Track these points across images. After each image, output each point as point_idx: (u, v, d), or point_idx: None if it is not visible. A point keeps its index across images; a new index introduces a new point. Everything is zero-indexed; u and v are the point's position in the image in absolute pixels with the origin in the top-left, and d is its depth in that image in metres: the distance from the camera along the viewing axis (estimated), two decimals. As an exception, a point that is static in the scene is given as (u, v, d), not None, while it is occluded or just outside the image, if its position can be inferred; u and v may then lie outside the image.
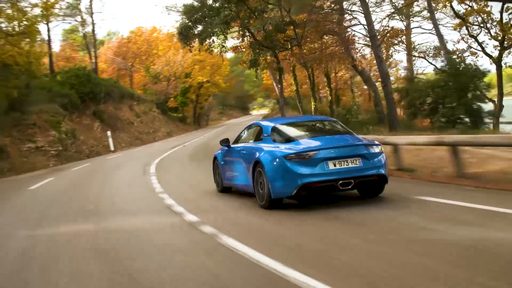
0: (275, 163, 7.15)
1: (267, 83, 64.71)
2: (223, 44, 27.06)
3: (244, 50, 29.64)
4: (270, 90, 68.24)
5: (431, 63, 28.53)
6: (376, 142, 7.61)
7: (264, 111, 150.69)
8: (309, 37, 26.70)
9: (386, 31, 27.17)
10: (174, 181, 13.05)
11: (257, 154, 7.64)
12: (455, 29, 29.67)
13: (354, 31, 30.63)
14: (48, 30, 37.37)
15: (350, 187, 7.04)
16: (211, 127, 59.30)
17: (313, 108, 27.29)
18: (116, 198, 10.66)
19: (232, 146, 9.19)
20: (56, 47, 53.56)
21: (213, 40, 26.28)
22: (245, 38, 27.88)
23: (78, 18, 42.49)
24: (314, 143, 7.31)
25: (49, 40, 37.60)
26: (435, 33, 27.28)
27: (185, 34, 25.89)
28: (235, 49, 30.10)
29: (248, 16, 25.68)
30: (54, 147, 25.48)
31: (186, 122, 60.05)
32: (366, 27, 25.66)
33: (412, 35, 32.59)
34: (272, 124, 8.23)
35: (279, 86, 31.77)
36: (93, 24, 42.33)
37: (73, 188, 13.36)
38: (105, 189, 12.42)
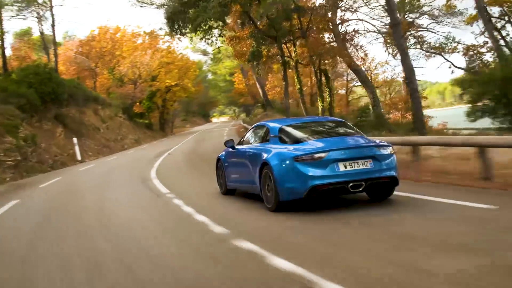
0: (284, 165, 6.85)
1: (238, 87, 60.55)
2: (222, 33, 22.48)
3: (241, 40, 25.01)
4: (242, 95, 64.06)
5: (447, 60, 24.98)
6: (387, 143, 7.25)
7: (224, 118, 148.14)
8: (316, 27, 22.57)
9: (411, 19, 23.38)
10: (213, 204, 8.74)
11: (265, 155, 7.31)
12: (468, 24, 26.67)
13: (365, 21, 26.63)
14: (0, 23, 31.78)
15: (361, 189, 6.75)
16: (179, 135, 54.42)
17: (320, 110, 23.21)
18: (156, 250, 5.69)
19: (237, 147, 8.85)
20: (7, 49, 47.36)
21: (209, 27, 21.63)
22: (246, 26, 23.37)
23: (34, 14, 36.87)
24: (324, 144, 6.96)
25: (1, 34, 31.99)
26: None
27: (174, 20, 21.22)
28: (232, 40, 25.42)
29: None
30: (11, 157, 20.32)
31: (152, 129, 54.90)
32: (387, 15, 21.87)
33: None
34: (279, 125, 7.91)
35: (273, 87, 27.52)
36: (52, 17, 36.81)
37: (57, 223, 8.45)
38: (121, 230, 7.15)
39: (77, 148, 28.20)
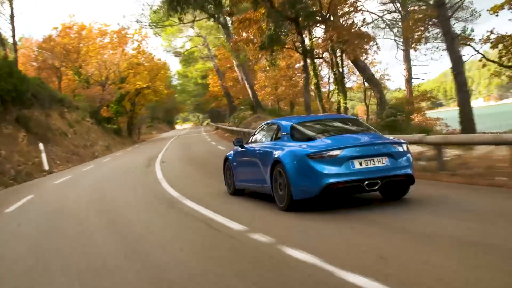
0: (297, 163, 6.56)
1: (213, 90, 56.24)
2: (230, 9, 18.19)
3: (251, 23, 20.38)
4: (217, 98, 59.71)
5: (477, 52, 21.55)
6: (403, 141, 6.96)
7: (188, 125, 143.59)
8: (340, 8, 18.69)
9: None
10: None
11: (277, 153, 7.02)
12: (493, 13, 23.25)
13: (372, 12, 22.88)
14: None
15: (376, 187, 6.45)
16: (150, 142, 49.60)
17: (342, 108, 19.31)
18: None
19: (246, 146, 8.51)
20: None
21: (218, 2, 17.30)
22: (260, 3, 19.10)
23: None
24: (338, 141, 6.70)
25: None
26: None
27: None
28: (242, 22, 20.69)
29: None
30: (-36, 168, 15.53)
31: (121, 135, 49.81)
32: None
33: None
34: (291, 122, 7.60)
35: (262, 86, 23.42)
36: (11, 7, 31.64)
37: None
38: None
39: (44, 156, 23.36)
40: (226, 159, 9.36)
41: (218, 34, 47.93)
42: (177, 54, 54.58)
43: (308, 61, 20.25)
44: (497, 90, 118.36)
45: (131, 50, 49.71)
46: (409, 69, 31.47)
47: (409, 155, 6.82)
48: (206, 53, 53.50)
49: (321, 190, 6.31)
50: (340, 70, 20.04)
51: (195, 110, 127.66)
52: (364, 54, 20.23)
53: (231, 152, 9.26)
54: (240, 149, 8.68)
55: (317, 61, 24.25)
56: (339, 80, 20.02)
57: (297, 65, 45.86)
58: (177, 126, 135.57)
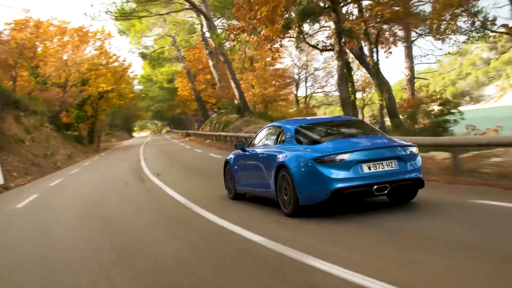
0: (303, 167, 6.26)
1: (183, 94, 51.87)
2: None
3: None
4: (185, 102, 55.24)
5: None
6: (412, 143, 6.71)
7: (145, 133, 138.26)
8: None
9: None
10: None
11: (281, 157, 6.70)
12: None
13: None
14: None
15: (385, 192, 6.20)
16: (115, 150, 44.68)
17: (378, 106, 15.70)
18: None
19: (247, 149, 8.20)
20: None
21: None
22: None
23: None
24: (346, 144, 6.38)
25: None
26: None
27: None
28: None
29: None
30: None
31: (83, 143, 44.58)
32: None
33: None
34: (295, 125, 7.28)
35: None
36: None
37: None
38: None
39: (-2, 168, 18.68)
40: (227, 162, 8.98)
41: (194, 31, 43.83)
42: (143, 55, 49.73)
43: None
44: (451, 97, 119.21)
45: (94, 50, 44.86)
46: (411, 68, 28.26)
47: (418, 158, 6.61)
48: (175, 54, 48.99)
49: (328, 195, 6.06)
50: (376, 58, 16.32)
51: (154, 118, 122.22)
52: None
53: (231, 155, 8.92)
54: (241, 152, 8.36)
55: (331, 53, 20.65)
56: (375, 70, 16.27)
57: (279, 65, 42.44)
58: (135, 134, 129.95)
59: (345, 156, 6.05)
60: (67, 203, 11.04)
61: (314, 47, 20.71)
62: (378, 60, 16.80)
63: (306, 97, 47.03)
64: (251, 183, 7.95)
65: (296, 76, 44.38)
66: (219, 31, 28.19)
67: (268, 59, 41.24)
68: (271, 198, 7.09)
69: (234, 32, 19.41)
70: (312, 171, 6.13)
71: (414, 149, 6.55)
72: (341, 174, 6.02)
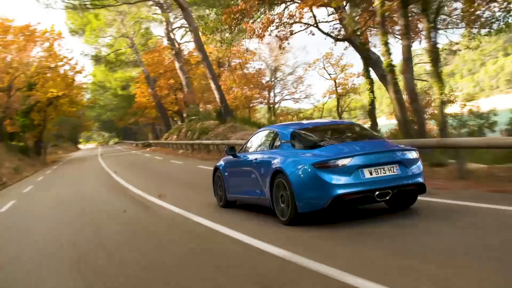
0: (302, 173, 5.89)
1: (140, 101, 47.29)
2: None
3: None
4: (143, 111, 50.53)
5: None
6: (412, 147, 6.42)
7: (92, 145, 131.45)
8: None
9: None
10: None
11: (277, 162, 6.33)
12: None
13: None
14: None
15: (387, 198, 5.90)
16: (65, 163, 39.19)
17: (437, 103, 12.49)
18: None
19: (239, 155, 7.77)
20: None
21: None
22: None
23: None
24: (346, 148, 6.08)
25: None
26: None
27: None
28: None
29: None
30: None
31: (29, 155, 39.01)
32: None
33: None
34: (290, 129, 6.81)
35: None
36: None
37: None
38: None
39: None
40: (216, 169, 8.51)
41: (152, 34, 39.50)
42: (97, 58, 44.56)
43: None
44: (389, 108, 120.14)
45: (42, 51, 39.61)
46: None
47: (419, 162, 6.28)
48: (133, 57, 44.30)
49: (329, 202, 5.71)
50: (435, 40, 12.88)
51: (102, 129, 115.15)
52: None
53: (222, 162, 8.44)
54: (232, 158, 7.93)
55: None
56: (433, 59, 12.89)
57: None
58: (81, 146, 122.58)
59: (347, 161, 5.76)
60: (33, 260, 6.76)
61: (328, 35, 17.40)
62: (437, 43, 13.30)
63: (273, 104, 43.48)
64: (244, 190, 7.53)
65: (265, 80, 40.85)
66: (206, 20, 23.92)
67: (237, 61, 37.79)
68: (266, 205, 6.74)
69: (233, 16, 15.69)
70: (311, 176, 5.82)
71: (415, 153, 6.26)
72: (342, 179, 5.73)
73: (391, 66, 12.74)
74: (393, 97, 12.86)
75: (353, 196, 5.73)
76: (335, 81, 32.52)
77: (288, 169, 6.03)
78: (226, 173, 8.11)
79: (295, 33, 16.80)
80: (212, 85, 25.40)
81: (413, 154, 6.19)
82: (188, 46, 41.65)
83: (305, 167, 5.84)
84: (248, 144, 7.83)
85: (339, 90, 32.49)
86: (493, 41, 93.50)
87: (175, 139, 33.70)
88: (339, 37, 18.03)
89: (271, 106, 39.40)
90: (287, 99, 45.09)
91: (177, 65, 35.64)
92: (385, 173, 5.86)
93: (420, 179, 6.13)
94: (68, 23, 41.22)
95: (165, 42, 40.65)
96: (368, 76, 18.05)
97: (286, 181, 6.03)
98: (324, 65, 32.02)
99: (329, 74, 32.19)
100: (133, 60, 44.95)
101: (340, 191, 5.65)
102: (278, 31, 16.02)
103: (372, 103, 18.29)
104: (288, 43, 18.04)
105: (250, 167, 7.17)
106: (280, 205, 6.28)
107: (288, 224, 6.03)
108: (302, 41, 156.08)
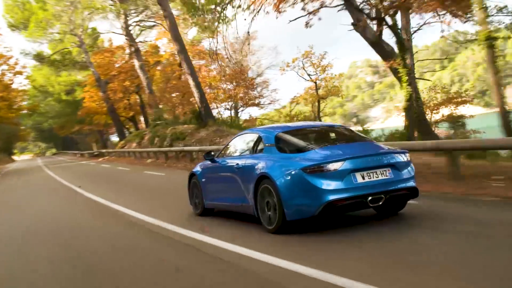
0: (290, 178, 5.44)
1: (90, 106, 42.69)
2: None
3: None
4: (92, 116, 45.67)
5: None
6: (404, 150, 6.04)
7: (27, 156, 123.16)
8: None
9: None
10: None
11: (262, 167, 5.87)
12: None
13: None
14: None
15: (380, 203, 5.50)
16: (2, 175, 33.84)
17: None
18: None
19: (217, 160, 7.20)
20: None
21: None
22: None
23: None
24: (336, 152, 5.64)
25: None
26: None
27: None
28: None
29: None
30: None
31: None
32: None
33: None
34: (274, 132, 6.31)
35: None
36: None
37: None
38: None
39: None
40: (192, 175, 7.97)
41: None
42: (40, 57, 39.50)
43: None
44: (340, 118, 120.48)
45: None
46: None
47: (411, 165, 5.90)
48: (82, 58, 39.65)
49: (321, 208, 5.30)
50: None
51: (39, 138, 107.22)
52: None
53: (198, 167, 7.94)
54: (210, 163, 7.38)
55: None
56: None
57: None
58: (15, 158, 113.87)
59: (338, 165, 5.34)
60: None
61: (361, 11, 14.72)
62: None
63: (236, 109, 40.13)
64: (224, 197, 6.94)
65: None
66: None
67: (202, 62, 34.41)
68: (249, 213, 6.20)
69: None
70: (301, 182, 5.37)
71: (407, 156, 5.87)
72: (334, 184, 5.31)
73: (490, 39, 10.11)
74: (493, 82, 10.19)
75: (346, 202, 5.38)
76: (315, 83, 29.85)
77: (275, 174, 5.61)
78: (203, 179, 7.57)
79: (324, 6, 13.99)
80: (191, 82, 21.72)
81: (404, 157, 5.82)
82: (145, 46, 37.85)
83: (294, 172, 5.44)
84: (228, 149, 7.26)
85: (320, 92, 29.85)
86: None
87: (135, 147, 29.61)
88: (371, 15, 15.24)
89: (237, 111, 36.19)
90: (252, 105, 41.96)
91: (136, 64, 31.63)
92: (378, 177, 5.51)
93: (413, 183, 5.79)
94: (6, 17, 36.15)
95: (118, 41, 36.59)
96: (405, 65, 15.26)
97: (272, 187, 5.61)
98: (303, 64, 29.28)
99: (309, 75, 29.50)
100: (82, 61, 40.30)
101: (332, 197, 5.30)
102: (305, 3, 13.03)
103: (410, 98, 15.45)
104: (319, 19, 15.10)
105: (231, 172, 6.64)
106: (266, 213, 5.84)
107: (275, 232, 5.63)
108: (272, 41, 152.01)
